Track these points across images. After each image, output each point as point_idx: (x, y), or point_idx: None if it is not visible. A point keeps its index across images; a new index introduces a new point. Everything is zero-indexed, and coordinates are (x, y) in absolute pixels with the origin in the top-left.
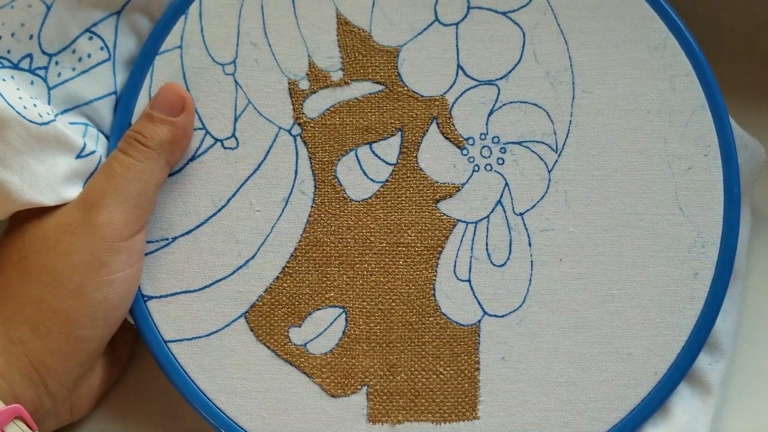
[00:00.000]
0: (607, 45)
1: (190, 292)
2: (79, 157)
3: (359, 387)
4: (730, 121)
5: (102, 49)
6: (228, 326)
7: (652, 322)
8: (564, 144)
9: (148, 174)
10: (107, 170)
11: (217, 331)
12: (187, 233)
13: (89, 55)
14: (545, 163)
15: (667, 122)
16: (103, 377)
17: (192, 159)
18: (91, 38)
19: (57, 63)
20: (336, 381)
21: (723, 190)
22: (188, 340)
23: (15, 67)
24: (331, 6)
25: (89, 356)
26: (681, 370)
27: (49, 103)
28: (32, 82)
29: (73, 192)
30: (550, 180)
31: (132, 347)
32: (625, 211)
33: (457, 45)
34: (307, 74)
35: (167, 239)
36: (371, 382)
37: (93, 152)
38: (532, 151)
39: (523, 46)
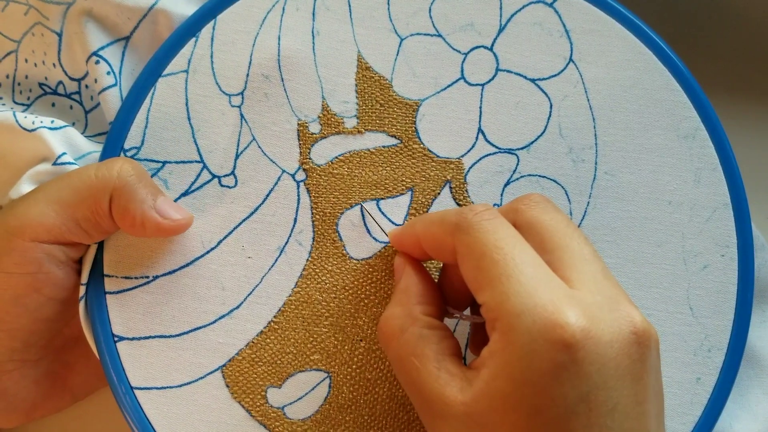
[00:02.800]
0: (635, 127)
1: (165, 337)
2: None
3: None
4: (751, 223)
5: (108, 74)
6: (202, 379)
7: None
8: (579, 226)
9: (93, 194)
10: (65, 174)
11: (189, 383)
12: (169, 273)
13: (95, 81)
14: None
15: (688, 216)
16: (34, 395)
17: (185, 194)
18: (98, 62)
19: (87, 87)
20: None
21: (737, 294)
22: (157, 389)
23: (54, 92)
24: (353, 48)
25: None
26: None
27: (86, 128)
28: (71, 107)
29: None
30: None
31: (92, 385)
32: None
33: (480, 107)
34: (319, 117)
35: (147, 277)
36: None
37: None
38: None
39: (549, 118)
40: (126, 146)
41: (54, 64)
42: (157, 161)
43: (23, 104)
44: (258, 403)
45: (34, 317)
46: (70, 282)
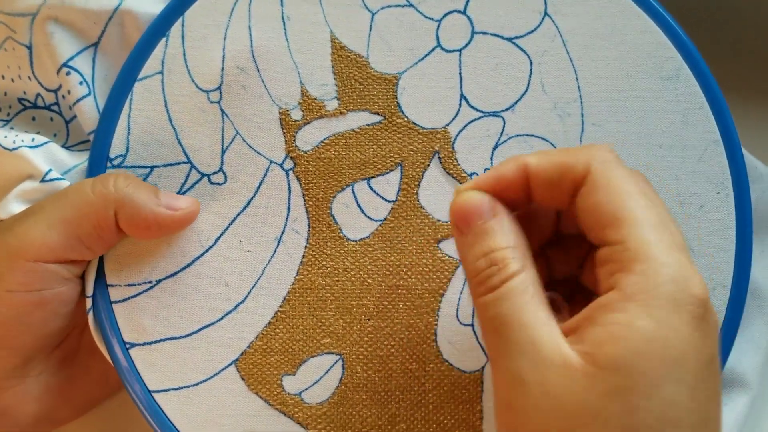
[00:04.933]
0: (617, 75)
1: (175, 338)
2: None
3: None
4: (743, 155)
5: (81, 84)
6: (217, 375)
7: None
8: None
9: (95, 210)
10: (61, 192)
11: (205, 380)
12: (171, 276)
13: (68, 92)
14: None
15: (680, 158)
16: (36, 411)
17: None
18: (68, 73)
19: (63, 97)
20: None
21: (735, 230)
22: (175, 389)
23: (34, 106)
24: (325, 29)
25: None
26: None
27: (67, 138)
28: (51, 119)
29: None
30: None
31: (93, 398)
32: None
33: (460, 73)
34: (300, 103)
35: (150, 282)
36: None
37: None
38: None
39: (530, 75)
40: (111, 155)
41: (29, 77)
42: (145, 166)
43: (3, 120)
44: (275, 392)
45: (38, 334)
46: (73, 297)
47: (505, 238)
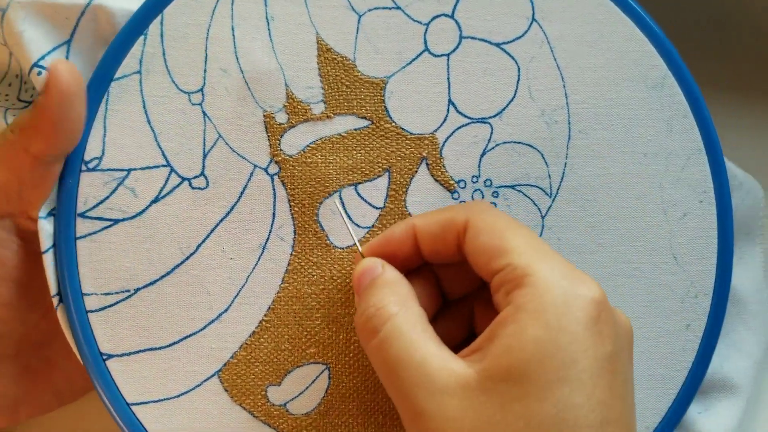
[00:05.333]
0: (604, 82)
1: (155, 349)
2: None
3: None
4: (725, 165)
5: None
6: (199, 386)
7: (643, 375)
8: (558, 188)
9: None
10: None
11: (187, 392)
12: (151, 284)
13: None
14: (539, 209)
15: (664, 166)
16: (15, 393)
17: (155, 200)
18: (39, 74)
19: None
20: None
21: (717, 238)
22: (155, 402)
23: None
24: (310, 30)
25: None
26: (673, 423)
27: None
28: None
29: None
30: (543, 227)
31: (78, 384)
32: (620, 260)
33: (448, 78)
34: (285, 106)
35: (128, 291)
36: None
37: None
38: (526, 196)
39: (518, 82)
40: (86, 158)
41: (16, 75)
42: (122, 169)
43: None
44: (260, 404)
45: None
46: (15, 259)
47: (386, 289)
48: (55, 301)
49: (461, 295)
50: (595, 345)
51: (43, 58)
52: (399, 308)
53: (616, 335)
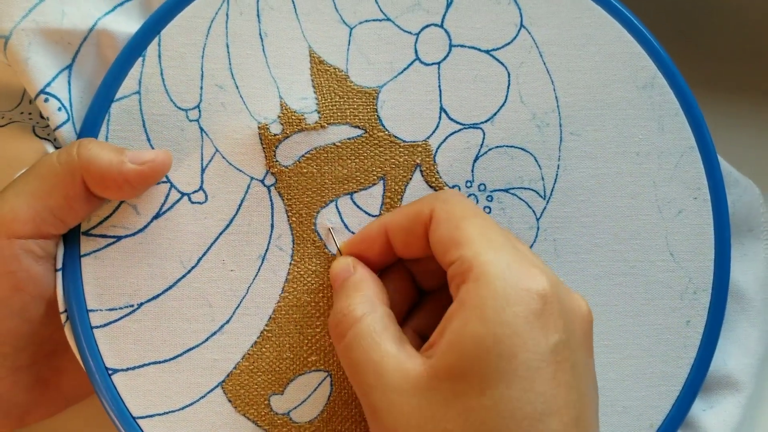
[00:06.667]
0: (594, 84)
1: (159, 362)
2: None
3: None
4: (719, 161)
5: (60, 110)
6: (203, 398)
7: (645, 373)
8: (552, 190)
9: (62, 179)
10: (29, 168)
11: (191, 404)
12: (153, 298)
13: (48, 119)
14: (533, 211)
15: (657, 164)
16: (27, 401)
17: (156, 216)
18: (47, 100)
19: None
20: None
21: (713, 234)
22: (160, 415)
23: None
24: (303, 44)
25: None
26: (677, 421)
27: None
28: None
29: None
30: (538, 228)
31: (85, 388)
32: (616, 259)
33: (439, 86)
34: (279, 117)
35: (132, 306)
36: None
37: None
38: (520, 199)
39: (509, 87)
40: None
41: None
42: None
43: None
44: (263, 413)
45: (21, 319)
46: (50, 279)
47: (355, 292)
48: (63, 317)
49: (436, 287)
50: (535, 338)
51: (48, 84)
52: (365, 311)
53: (565, 324)
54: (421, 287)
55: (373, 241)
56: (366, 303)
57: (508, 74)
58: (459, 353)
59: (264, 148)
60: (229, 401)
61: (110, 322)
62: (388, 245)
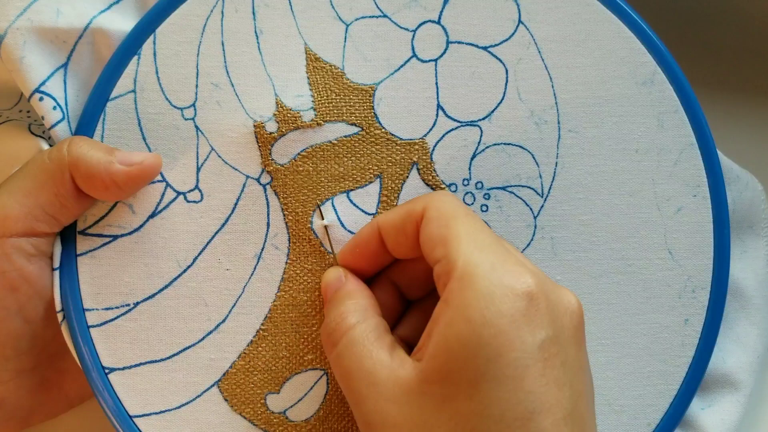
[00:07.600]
0: (592, 81)
1: (155, 362)
2: None
3: None
4: (719, 158)
5: (55, 108)
6: (199, 397)
7: (643, 371)
8: (550, 188)
9: (52, 177)
10: (21, 166)
11: (187, 403)
12: (149, 298)
13: (43, 118)
14: (531, 209)
15: (656, 162)
16: (31, 403)
17: (152, 215)
18: (41, 99)
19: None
20: None
21: (713, 232)
22: (156, 414)
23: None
24: (299, 41)
25: None
26: (674, 420)
27: None
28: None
29: None
30: (536, 227)
31: (88, 390)
32: (614, 257)
33: (436, 83)
34: (275, 114)
35: (128, 305)
36: None
37: None
38: (518, 197)
39: (506, 84)
40: None
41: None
42: None
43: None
44: (259, 412)
45: (20, 320)
46: (45, 278)
47: (346, 302)
48: (59, 317)
49: (422, 296)
50: (521, 336)
51: (43, 83)
52: (356, 320)
53: (552, 320)
54: (407, 298)
55: (367, 243)
56: (358, 312)
57: (506, 71)
58: (446, 355)
59: (260, 146)
60: (226, 400)
61: (106, 322)
62: (381, 245)
